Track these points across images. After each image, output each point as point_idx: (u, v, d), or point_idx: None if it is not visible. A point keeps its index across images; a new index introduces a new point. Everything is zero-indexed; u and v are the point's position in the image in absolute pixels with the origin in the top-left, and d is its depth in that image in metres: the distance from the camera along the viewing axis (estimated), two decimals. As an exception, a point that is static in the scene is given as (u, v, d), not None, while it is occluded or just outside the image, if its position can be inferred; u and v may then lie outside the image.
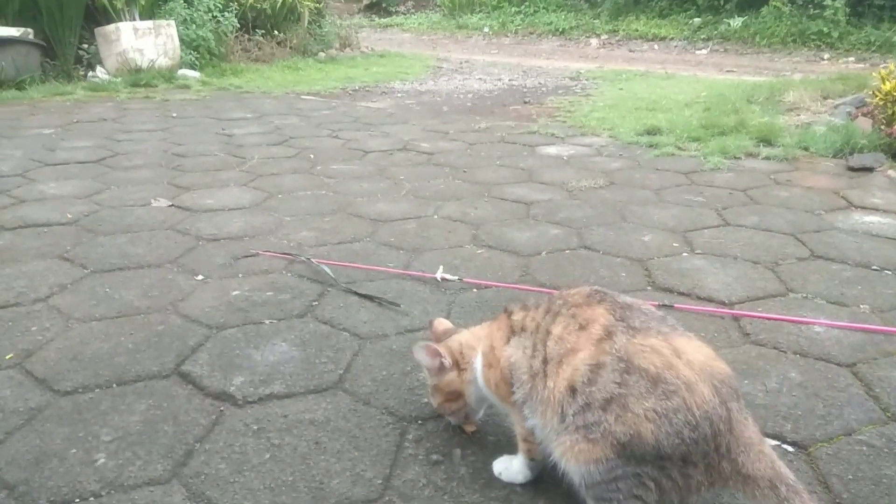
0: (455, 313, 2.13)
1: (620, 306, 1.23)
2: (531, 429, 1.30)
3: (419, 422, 1.58)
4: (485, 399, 1.42)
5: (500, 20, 14.90)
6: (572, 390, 1.17)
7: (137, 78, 7.20)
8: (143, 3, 7.65)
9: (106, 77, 7.30)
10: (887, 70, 4.57)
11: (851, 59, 10.33)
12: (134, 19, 7.55)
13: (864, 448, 1.46)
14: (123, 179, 3.70)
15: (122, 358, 1.85)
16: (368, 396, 1.68)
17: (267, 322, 2.07)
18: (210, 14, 8.32)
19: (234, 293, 2.27)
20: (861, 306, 2.16)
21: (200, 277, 2.41)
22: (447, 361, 1.42)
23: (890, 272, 2.44)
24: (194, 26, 8.15)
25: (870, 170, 3.83)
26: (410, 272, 2.45)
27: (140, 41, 7.45)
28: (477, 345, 1.42)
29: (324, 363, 1.83)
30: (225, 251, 2.65)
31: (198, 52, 8.19)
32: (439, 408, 1.47)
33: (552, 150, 4.46)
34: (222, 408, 1.64)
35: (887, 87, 4.39)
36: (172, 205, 3.24)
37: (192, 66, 7.99)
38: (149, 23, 7.57)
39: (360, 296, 2.23)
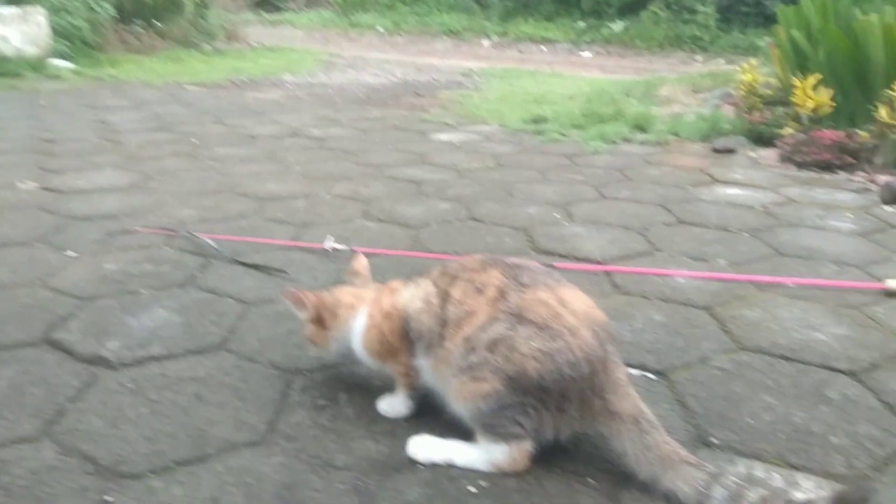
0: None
1: (511, 266, 1.30)
2: (415, 367, 1.35)
3: (305, 373, 1.59)
4: (347, 354, 1.45)
5: (394, 20, 14.96)
6: (466, 341, 1.24)
7: (2, 67, 6.69)
8: (7, -14, 7.13)
9: (-35, 66, 6.74)
10: (749, 65, 5.01)
11: (722, 60, 11.15)
12: (-3, 4, 7.02)
13: (717, 372, 1.61)
14: (-15, 164, 3.44)
15: (-17, 330, 1.74)
16: (253, 354, 1.67)
17: (145, 292, 2.00)
18: (84, 2, 7.86)
19: (109, 267, 2.18)
20: (719, 260, 2.36)
21: (72, 254, 2.29)
22: (308, 314, 1.45)
23: (746, 233, 2.67)
24: (66, 14, 7.67)
25: (732, 151, 4.17)
26: (299, 243, 2.44)
27: (5, 28, 6.93)
28: (358, 304, 1.45)
29: (206, 326, 1.80)
30: (99, 229, 2.53)
31: (71, 41, 7.71)
32: (307, 341, 1.50)
33: (444, 136, 4.55)
34: (96, 371, 1.57)
35: (748, 78, 4.81)
36: (42, 187, 3.04)
37: (64, 57, 7.51)
38: (14, 9, 7.05)
39: (246, 265, 2.20)
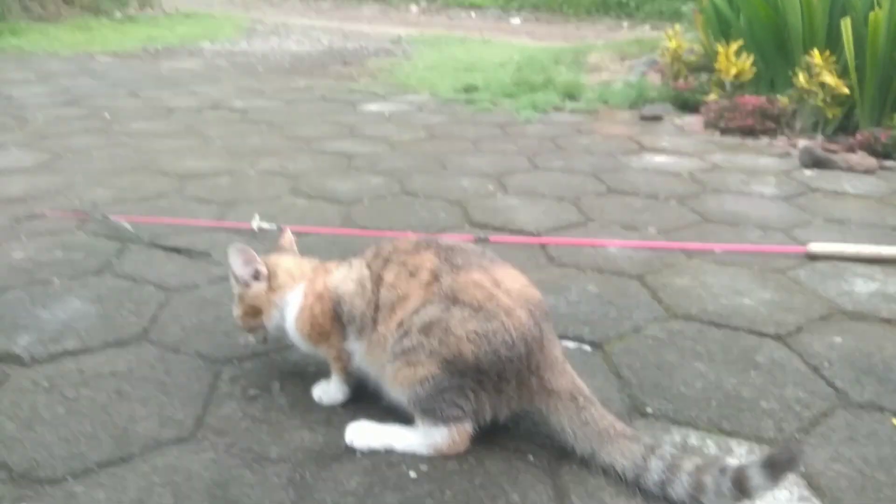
0: (273, 259, 2.07)
1: (444, 248, 1.27)
2: (347, 350, 1.31)
3: (235, 362, 1.52)
4: (283, 332, 1.39)
5: (319, -16, 14.47)
6: (400, 325, 1.20)
7: None
8: None
9: None
10: (673, 31, 5.09)
11: (647, 26, 11.32)
12: None
13: (650, 341, 1.63)
14: None
15: None
16: (178, 344, 1.58)
17: (56, 281, 1.87)
18: (-22, -36, 7.26)
19: (17, 255, 2.02)
20: (649, 229, 2.40)
21: (-26, 242, 2.12)
22: (263, 270, 1.37)
23: (673, 201, 2.72)
24: (-43, -23, 7.07)
25: (659, 118, 4.24)
26: (223, 223, 2.33)
27: None
28: (299, 278, 1.39)
29: (125, 316, 1.69)
30: (4, 213, 2.35)
31: (-35, 8, 7.12)
32: (239, 319, 1.41)
33: (374, 107, 4.45)
34: (6, 369, 1.46)
35: (673, 45, 4.89)
36: (-64, 169, 2.81)
37: (-42, 25, 6.94)
38: None
39: (166, 249, 2.08)
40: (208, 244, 2.14)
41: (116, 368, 1.47)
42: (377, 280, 1.27)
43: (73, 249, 2.08)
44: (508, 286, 1.21)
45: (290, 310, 1.36)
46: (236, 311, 1.42)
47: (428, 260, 1.24)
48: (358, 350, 1.28)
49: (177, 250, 2.07)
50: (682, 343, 1.62)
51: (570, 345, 1.60)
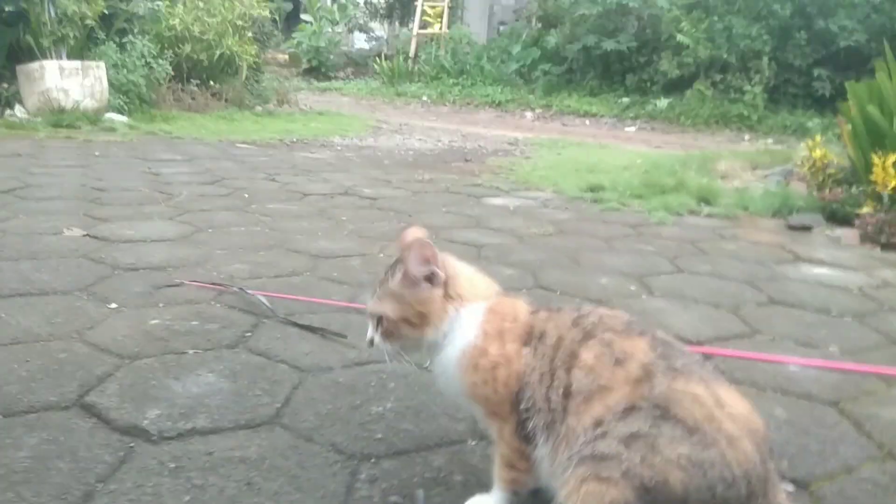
0: (407, 347, 1.92)
1: (661, 342, 1.06)
2: (528, 455, 1.10)
3: (373, 460, 1.35)
4: (435, 354, 1.16)
5: (439, 90, 15.20)
6: (597, 424, 0.99)
7: (59, 118, 6.79)
8: (71, 43, 7.34)
9: (24, 116, 6.87)
10: (814, 141, 4.82)
11: (770, 140, 10.95)
12: (60, 58, 7.21)
13: (868, 485, 1.32)
14: (34, 209, 3.34)
15: (13, 387, 1.54)
16: (311, 432, 1.43)
17: (191, 352, 1.79)
18: (143, 60, 8.06)
19: (153, 322, 1.99)
20: (830, 348, 2.08)
21: (114, 306, 2.12)
22: (442, 275, 1.15)
23: (849, 318, 2.39)
24: (125, 70, 7.86)
25: (808, 228, 3.91)
26: (357, 305, 2.23)
27: (66, 81, 7.08)
28: (482, 295, 1.17)
29: (258, 396, 1.58)
30: (144, 281, 2.36)
31: (127, 96, 7.87)
32: (387, 323, 1.17)
33: (498, 201, 4.38)
34: (132, 444, 1.35)
35: (817, 154, 4.60)
36: (87, 234, 2.92)
37: (119, 111, 7.65)
38: (76, 63, 7.23)
39: (301, 327, 1.99)
40: (342, 325, 2.03)
41: (247, 454, 1.33)
42: (571, 355, 1.05)
43: (209, 320, 2.03)
44: (733, 410, 0.98)
45: (463, 333, 1.13)
46: (386, 309, 1.17)
47: (640, 350, 1.03)
48: (546, 456, 1.06)
49: (311, 329, 1.97)
50: (913, 493, 1.30)
51: (768, 480, 1.32)
